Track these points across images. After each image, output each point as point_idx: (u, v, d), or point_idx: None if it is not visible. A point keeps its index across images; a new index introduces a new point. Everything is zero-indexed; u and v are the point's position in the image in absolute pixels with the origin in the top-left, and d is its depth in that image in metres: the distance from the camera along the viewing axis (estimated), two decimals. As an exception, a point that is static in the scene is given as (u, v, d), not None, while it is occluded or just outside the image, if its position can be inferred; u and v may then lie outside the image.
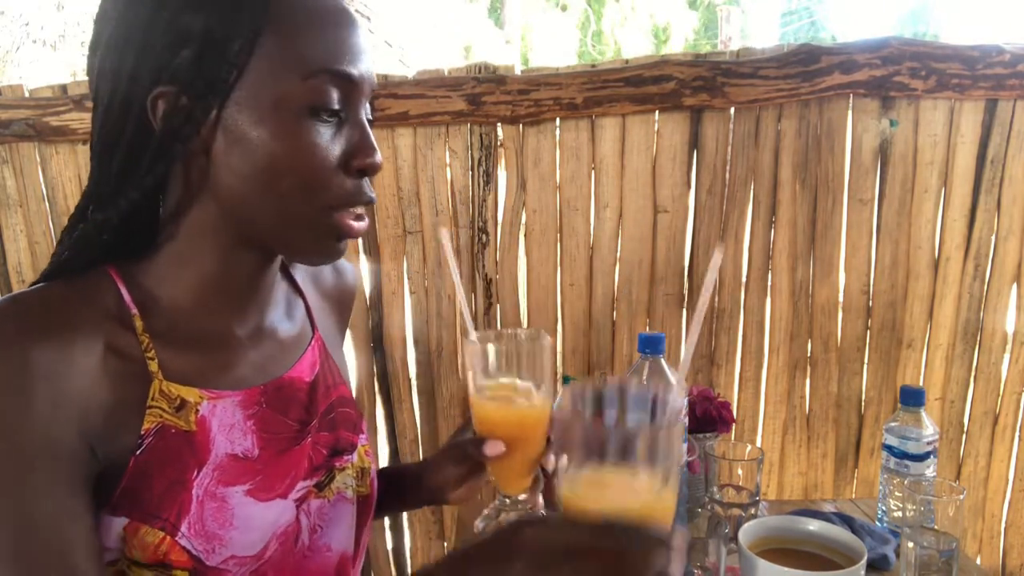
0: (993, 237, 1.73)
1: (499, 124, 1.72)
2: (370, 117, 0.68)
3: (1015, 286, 1.75)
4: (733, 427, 1.36)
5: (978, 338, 1.78)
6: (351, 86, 0.64)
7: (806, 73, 1.66)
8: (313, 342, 0.81)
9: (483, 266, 1.78)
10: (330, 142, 0.63)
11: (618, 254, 1.78)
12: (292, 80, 0.61)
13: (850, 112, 1.71)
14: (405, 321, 1.82)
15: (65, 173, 1.79)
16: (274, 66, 0.61)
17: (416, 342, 1.84)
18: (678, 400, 0.57)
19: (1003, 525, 1.87)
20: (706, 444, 1.21)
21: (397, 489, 0.91)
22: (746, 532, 0.89)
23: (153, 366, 0.64)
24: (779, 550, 0.90)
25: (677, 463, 0.55)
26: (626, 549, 0.46)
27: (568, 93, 1.67)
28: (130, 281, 0.66)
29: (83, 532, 0.58)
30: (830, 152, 1.72)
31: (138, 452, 0.62)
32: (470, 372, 0.76)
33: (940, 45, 1.67)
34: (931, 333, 1.79)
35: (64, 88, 1.77)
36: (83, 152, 1.78)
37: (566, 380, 1.38)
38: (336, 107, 0.63)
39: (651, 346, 1.01)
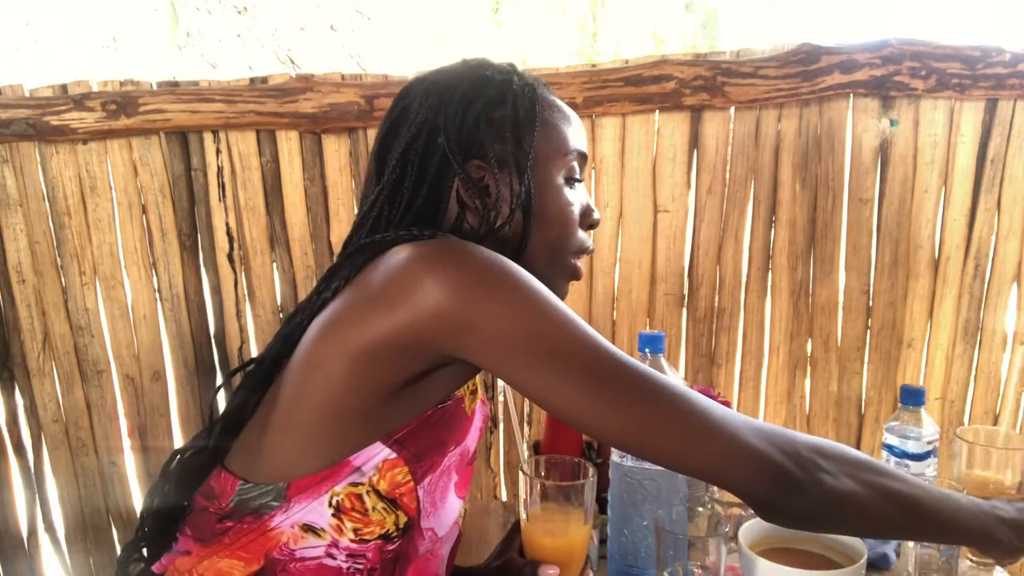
0: (993, 237, 1.73)
1: (499, 124, 1.72)
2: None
3: (1015, 286, 1.75)
4: (733, 427, 1.36)
5: (978, 338, 1.78)
6: (584, 161, 0.87)
7: (806, 73, 1.66)
8: None
9: (483, 266, 1.78)
10: (576, 203, 0.85)
11: (618, 254, 1.78)
12: (558, 158, 0.83)
13: (850, 112, 1.71)
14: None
15: (65, 173, 1.79)
16: (549, 151, 0.83)
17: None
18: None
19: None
20: (706, 443, 1.21)
21: None
22: (746, 531, 0.89)
23: None
24: (779, 549, 0.91)
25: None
26: None
27: (568, 93, 1.67)
28: None
29: None
30: (830, 152, 1.72)
31: (440, 406, 0.76)
32: (522, 497, 0.87)
33: (940, 45, 1.67)
34: (931, 333, 1.79)
35: (64, 88, 1.76)
36: (83, 152, 1.78)
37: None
38: (579, 177, 0.86)
39: (651, 345, 1.01)
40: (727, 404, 1.31)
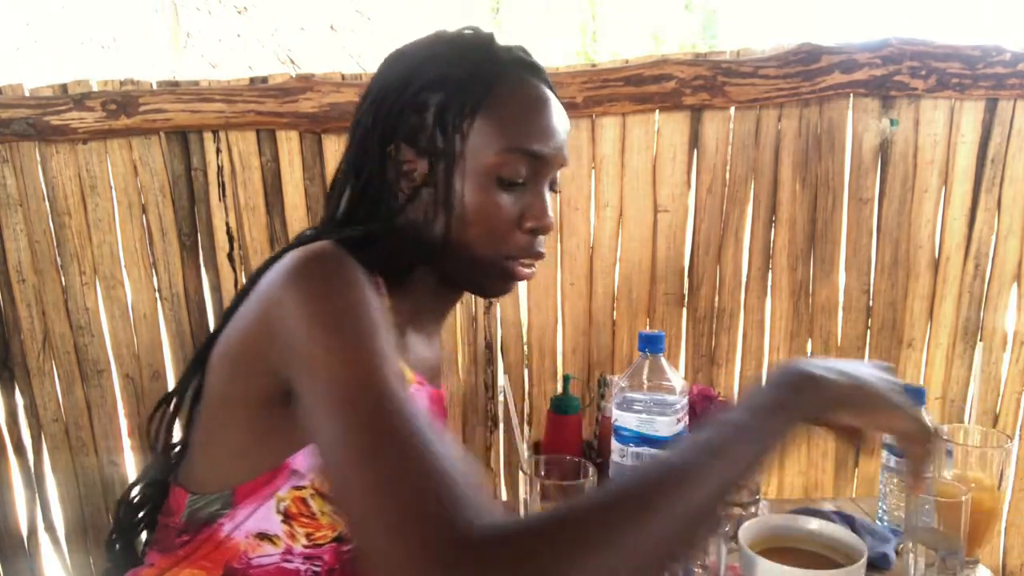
0: (993, 236, 1.73)
1: (499, 123, 1.72)
2: (556, 189, 0.85)
3: (1015, 285, 1.75)
4: (733, 426, 1.36)
5: (978, 337, 1.78)
6: (539, 162, 0.80)
7: (806, 72, 1.66)
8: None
9: (483, 265, 1.78)
10: (510, 204, 0.79)
11: (618, 253, 1.78)
12: (492, 152, 0.77)
13: (850, 111, 1.71)
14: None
15: (65, 172, 1.79)
16: (483, 141, 0.77)
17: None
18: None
19: (1003, 525, 1.86)
20: (706, 443, 1.21)
21: None
22: (746, 531, 0.89)
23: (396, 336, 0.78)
24: (779, 549, 0.90)
25: None
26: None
27: (568, 92, 1.67)
28: (380, 274, 0.79)
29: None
30: (830, 151, 1.72)
31: None
32: (522, 497, 0.87)
33: (940, 44, 1.67)
34: (931, 333, 1.79)
35: (64, 87, 1.76)
36: (83, 151, 1.78)
37: (566, 379, 1.38)
38: (520, 180, 0.79)
39: (651, 344, 1.01)
40: (727, 404, 1.31)
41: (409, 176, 0.80)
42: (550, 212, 0.82)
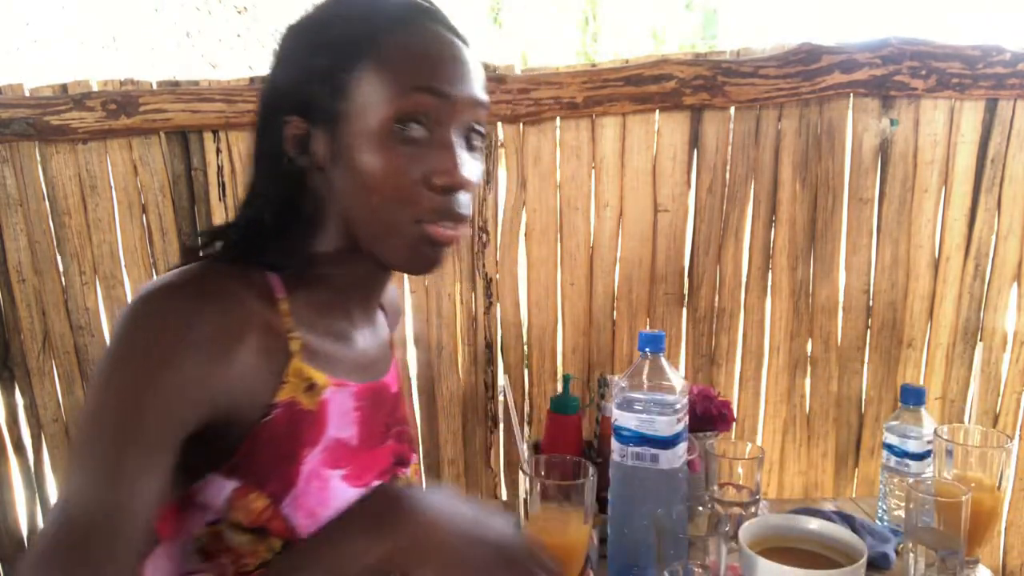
0: (993, 236, 1.73)
1: (499, 123, 1.72)
2: (476, 143, 0.76)
3: (1015, 285, 1.75)
4: (733, 426, 1.36)
5: (978, 337, 1.78)
6: (440, 104, 0.69)
7: (806, 72, 1.66)
8: (393, 355, 0.89)
9: (483, 265, 1.78)
10: (412, 161, 0.69)
11: (618, 253, 1.78)
12: (382, 104, 0.68)
13: (850, 111, 1.71)
14: (405, 320, 1.82)
15: (65, 172, 1.79)
16: (370, 94, 0.68)
17: (416, 341, 1.84)
18: None
19: (1003, 525, 1.86)
20: (706, 443, 1.21)
21: None
22: (746, 531, 0.89)
23: (295, 345, 0.70)
24: (779, 549, 0.91)
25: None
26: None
27: (568, 92, 1.67)
28: (277, 270, 0.73)
29: (146, 513, 0.60)
30: (830, 151, 1.72)
31: (264, 420, 0.67)
32: (522, 497, 0.86)
33: (940, 44, 1.67)
34: (931, 332, 1.79)
35: (64, 87, 1.77)
36: (83, 151, 1.78)
37: (566, 379, 1.38)
38: (420, 130, 0.69)
39: (651, 344, 1.01)
40: (727, 404, 1.31)
41: (307, 151, 0.72)
42: (464, 166, 0.70)
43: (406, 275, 1.74)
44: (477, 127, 0.75)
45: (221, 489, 0.66)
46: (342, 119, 0.69)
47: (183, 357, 0.61)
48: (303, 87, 0.70)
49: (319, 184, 0.73)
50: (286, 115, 0.71)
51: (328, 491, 0.71)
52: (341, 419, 0.74)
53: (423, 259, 0.73)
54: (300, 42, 0.73)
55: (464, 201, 0.72)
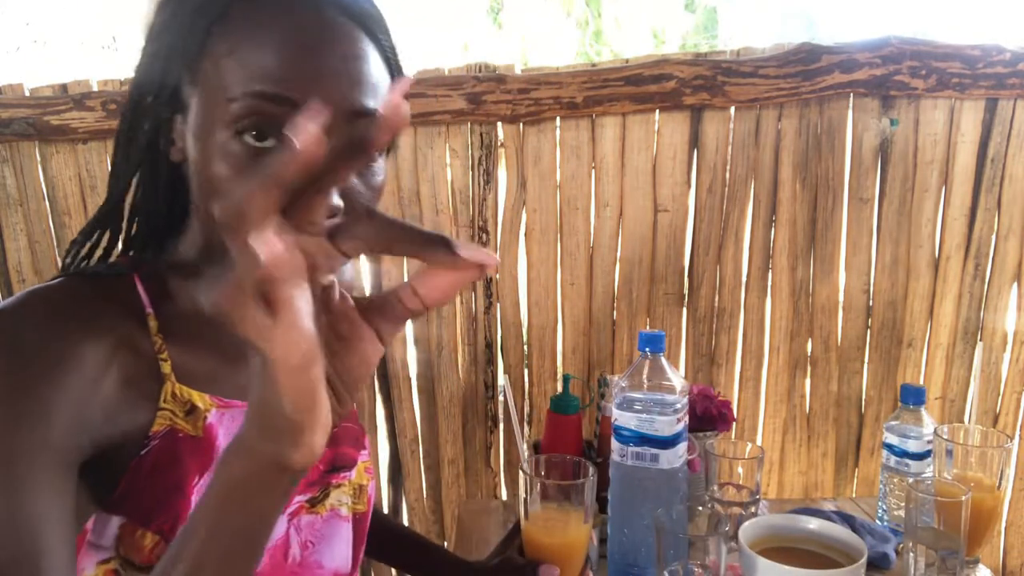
0: (993, 236, 1.73)
1: (499, 123, 1.72)
2: (370, 152, 0.58)
3: (1015, 285, 1.75)
4: (733, 426, 1.36)
5: (978, 337, 1.78)
6: (289, 113, 0.53)
7: (806, 72, 1.66)
8: None
9: (483, 265, 1.78)
10: (242, 163, 0.56)
11: (618, 253, 1.78)
12: (221, 102, 0.56)
13: (850, 111, 1.71)
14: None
15: (65, 172, 1.79)
16: (214, 85, 0.56)
17: (416, 341, 1.84)
18: None
19: (1003, 525, 1.86)
20: (706, 443, 1.21)
21: (428, 569, 0.97)
22: (746, 530, 0.89)
23: (166, 367, 0.63)
24: (779, 548, 0.91)
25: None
26: None
27: (568, 92, 1.67)
28: (147, 280, 0.65)
29: (60, 536, 0.54)
30: (830, 151, 1.72)
31: (143, 453, 0.60)
32: (522, 496, 0.85)
33: (940, 44, 1.67)
34: (931, 332, 1.79)
35: (64, 87, 1.77)
36: (83, 151, 1.78)
37: (566, 379, 1.38)
38: (264, 132, 0.55)
39: (651, 344, 1.01)
40: (727, 404, 1.31)
41: (152, 141, 0.63)
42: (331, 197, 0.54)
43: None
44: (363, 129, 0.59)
45: (107, 526, 0.60)
46: (189, 110, 0.59)
47: (32, 392, 0.54)
48: (158, 69, 0.61)
49: (183, 177, 0.63)
50: (142, 100, 0.62)
51: None
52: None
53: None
54: (154, 23, 0.62)
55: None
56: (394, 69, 0.63)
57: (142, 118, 0.63)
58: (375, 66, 0.59)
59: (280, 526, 0.70)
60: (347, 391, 0.44)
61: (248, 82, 0.55)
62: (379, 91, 0.58)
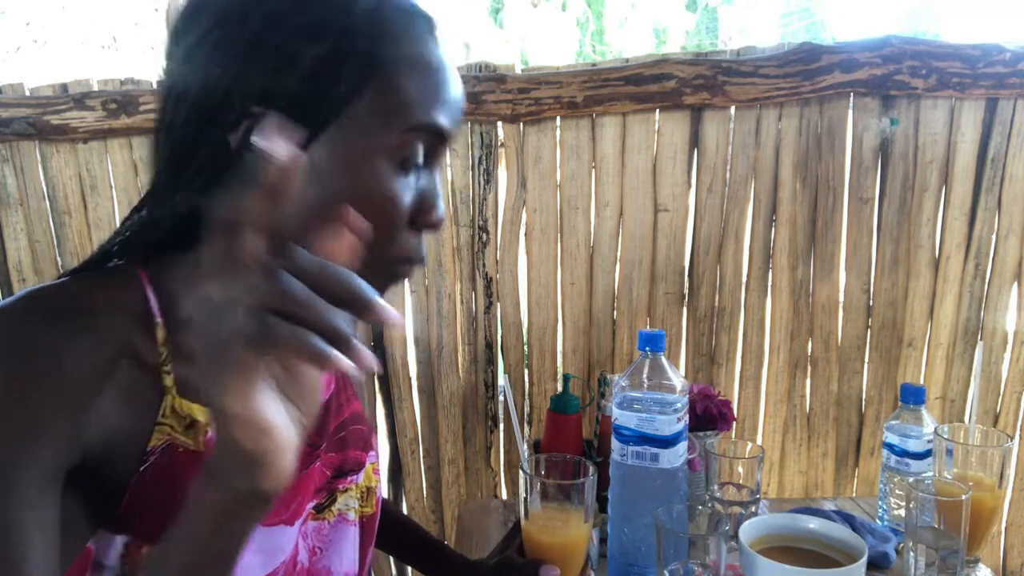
0: (993, 236, 1.73)
1: (499, 123, 1.72)
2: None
3: (1016, 285, 1.75)
4: (734, 425, 1.36)
5: (978, 337, 1.78)
6: (440, 141, 0.61)
7: (807, 72, 1.66)
8: None
9: (483, 265, 1.78)
10: (406, 194, 0.60)
11: (618, 253, 1.78)
12: (389, 130, 0.58)
13: (851, 111, 1.71)
14: (405, 320, 1.82)
15: (65, 172, 1.79)
16: (375, 112, 0.57)
17: (416, 341, 1.84)
18: None
19: (1003, 525, 1.86)
20: (707, 442, 1.21)
21: (429, 565, 0.99)
22: (747, 530, 0.89)
23: (168, 380, 0.60)
24: (780, 548, 0.91)
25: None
26: None
27: (568, 92, 1.67)
28: (160, 286, 0.63)
29: (46, 544, 0.53)
30: (831, 151, 1.72)
31: (142, 469, 0.58)
32: (522, 496, 0.86)
33: (941, 44, 1.67)
34: (932, 332, 1.79)
35: (64, 87, 1.77)
36: (83, 151, 1.77)
37: (566, 378, 1.38)
38: (419, 163, 0.60)
39: (651, 343, 1.01)
40: (727, 403, 1.31)
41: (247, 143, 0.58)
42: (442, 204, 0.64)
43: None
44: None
45: (111, 546, 0.58)
46: (330, 129, 0.57)
47: (23, 400, 0.53)
48: (280, 76, 0.56)
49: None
50: (243, 104, 0.56)
51: None
52: None
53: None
54: (270, 34, 0.56)
55: (424, 244, 0.64)
56: None
57: (226, 114, 0.57)
58: None
59: (290, 538, 0.69)
60: (301, 405, 0.44)
61: (420, 116, 0.58)
62: None
